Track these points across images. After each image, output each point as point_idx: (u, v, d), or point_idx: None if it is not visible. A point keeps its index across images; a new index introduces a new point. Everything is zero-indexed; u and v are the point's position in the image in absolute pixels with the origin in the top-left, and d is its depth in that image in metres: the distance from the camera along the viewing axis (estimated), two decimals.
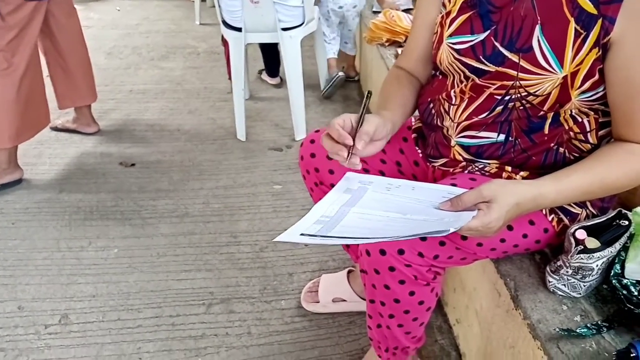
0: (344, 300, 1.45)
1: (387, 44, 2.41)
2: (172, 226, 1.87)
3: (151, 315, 1.50)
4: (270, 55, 2.95)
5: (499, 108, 0.95)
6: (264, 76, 3.12)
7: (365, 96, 0.91)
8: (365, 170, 1.17)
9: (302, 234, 0.76)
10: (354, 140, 0.85)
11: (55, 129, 2.56)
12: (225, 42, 2.59)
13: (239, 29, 2.29)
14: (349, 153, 0.85)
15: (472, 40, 0.95)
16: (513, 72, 0.91)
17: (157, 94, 3.04)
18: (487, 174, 1.01)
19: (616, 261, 0.92)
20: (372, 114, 0.93)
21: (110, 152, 2.39)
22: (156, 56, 3.67)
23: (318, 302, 1.47)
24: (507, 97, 0.93)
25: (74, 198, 2.05)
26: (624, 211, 0.97)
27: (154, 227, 1.87)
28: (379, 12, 2.64)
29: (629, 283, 0.89)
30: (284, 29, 2.28)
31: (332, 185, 1.10)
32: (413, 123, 1.21)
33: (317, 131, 1.23)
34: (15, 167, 2.12)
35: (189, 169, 2.24)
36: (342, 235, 0.75)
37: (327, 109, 2.80)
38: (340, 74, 2.82)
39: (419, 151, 1.15)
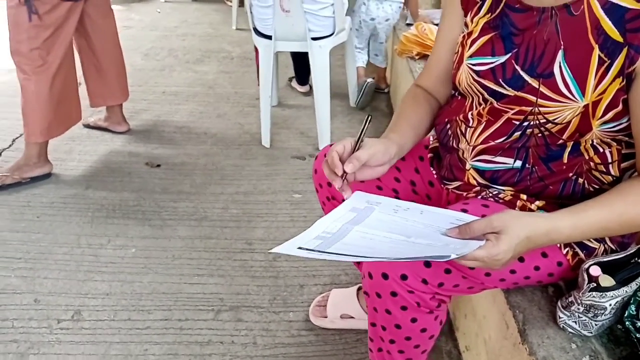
0: (352, 317, 1.43)
1: (417, 57, 2.38)
2: (190, 229, 1.88)
3: (161, 318, 1.51)
4: (301, 63, 2.96)
5: (517, 134, 0.92)
6: (294, 84, 3.13)
7: (365, 120, 0.89)
8: (379, 188, 1.15)
9: (300, 247, 0.75)
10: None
11: (88, 126, 2.62)
12: (256, 49, 2.61)
13: (269, 37, 2.30)
14: (342, 180, 0.85)
15: (492, 63, 0.92)
16: (532, 98, 0.87)
17: (189, 96, 3.09)
18: (500, 201, 0.97)
19: (631, 302, 0.87)
20: (376, 139, 0.91)
21: (138, 151, 2.43)
22: (191, 59, 3.73)
23: (326, 317, 1.45)
24: (525, 123, 0.90)
25: (98, 195, 2.09)
26: None
27: (173, 229, 1.89)
28: (412, 24, 2.62)
29: None
30: (314, 39, 2.28)
31: (344, 201, 1.09)
32: (431, 142, 1.18)
33: (332, 145, 1.22)
34: (45, 161, 2.18)
35: (211, 172, 2.26)
36: (341, 252, 0.74)
37: (354, 120, 2.78)
38: (369, 80, 2.81)
39: (434, 172, 1.12)
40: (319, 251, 0.74)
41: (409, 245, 0.78)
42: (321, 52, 2.31)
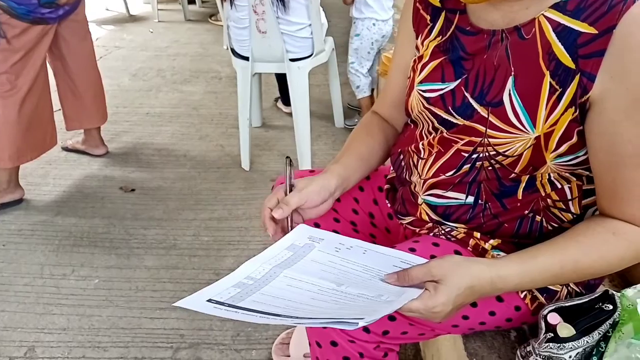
0: None
1: None
2: (157, 258, 1.81)
3: (116, 356, 1.43)
4: (285, 84, 2.89)
5: (466, 167, 0.84)
6: (279, 104, 3.08)
7: (286, 164, 0.84)
8: (336, 220, 1.08)
9: (209, 300, 0.67)
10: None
11: (66, 149, 2.57)
12: None
13: (247, 58, 2.25)
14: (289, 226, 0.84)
15: (442, 89, 0.86)
16: (482, 128, 0.80)
17: (172, 117, 3.04)
18: (453, 239, 0.89)
19: (594, 353, 0.79)
20: (311, 178, 0.87)
21: (114, 175, 2.38)
22: (179, 79, 3.69)
23: (289, 356, 1.37)
24: (474, 155, 0.83)
25: (67, 222, 2.03)
26: (611, 292, 0.84)
27: (139, 258, 1.82)
28: None
29: None
30: (292, 60, 2.23)
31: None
32: (390, 171, 1.11)
33: (278, 184, 1.15)
34: (16, 186, 2.13)
35: (186, 197, 2.20)
36: (252, 307, 0.66)
37: (338, 141, 2.71)
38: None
39: (389, 205, 1.05)
40: (229, 305, 0.66)
41: (335, 296, 0.71)
42: (300, 74, 2.26)
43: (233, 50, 2.31)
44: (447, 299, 0.69)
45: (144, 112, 3.10)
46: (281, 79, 2.91)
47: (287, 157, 0.87)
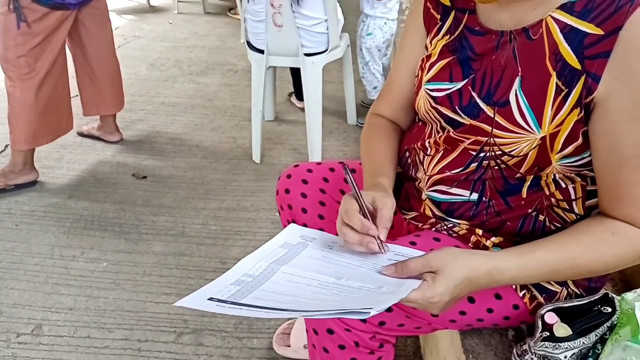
0: None
1: None
2: (165, 245, 1.84)
3: (120, 337, 1.46)
4: (299, 78, 2.90)
5: (473, 165, 0.85)
6: (293, 99, 3.09)
7: (346, 171, 0.80)
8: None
9: (210, 298, 0.68)
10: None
11: (81, 134, 2.61)
12: None
13: (262, 51, 2.27)
14: (378, 244, 0.77)
15: (449, 89, 0.86)
16: (488, 128, 0.81)
17: (187, 108, 3.06)
18: (454, 235, 0.90)
19: (590, 354, 0.79)
20: (380, 193, 0.83)
21: (127, 162, 2.41)
22: (195, 71, 3.72)
23: (289, 346, 1.38)
24: (481, 154, 0.83)
25: (79, 205, 2.06)
26: (611, 295, 0.84)
27: (148, 243, 1.84)
28: None
29: None
30: (307, 55, 2.24)
31: (305, 225, 1.03)
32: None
33: (295, 166, 1.16)
34: (31, 168, 2.17)
35: (196, 186, 2.22)
36: (255, 304, 0.67)
37: (349, 137, 2.72)
38: None
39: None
40: (232, 303, 0.67)
41: (336, 289, 0.72)
42: (314, 69, 2.27)
43: (249, 43, 2.33)
44: (444, 289, 0.69)
45: (159, 102, 3.14)
46: (296, 73, 2.92)
47: (342, 162, 0.84)
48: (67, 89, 2.21)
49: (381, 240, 0.77)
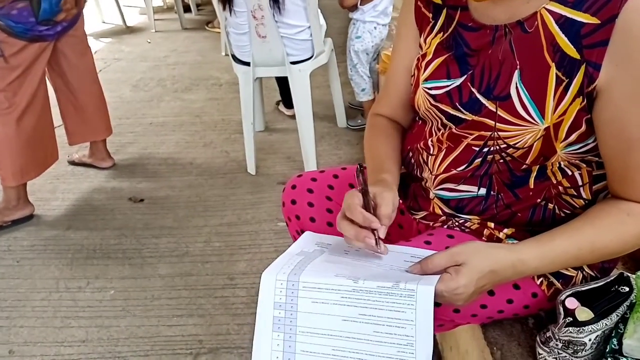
0: None
1: None
2: (170, 266, 1.83)
3: None
4: (286, 86, 2.90)
5: (478, 160, 0.86)
6: (281, 107, 3.10)
7: (359, 171, 0.81)
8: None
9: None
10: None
11: (72, 163, 2.59)
12: None
13: (247, 64, 2.27)
14: (376, 240, 0.76)
15: (448, 86, 0.87)
16: (491, 122, 0.82)
17: (176, 126, 3.06)
18: (467, 230, 0.91)
19: (613, 335, 0.81)
20: (381, 188, 0.84)
21: (122, 187, 2.40)
22: (180, 88, 3.71)
23: None
24: (485, 149, 0.84)
25: (79, 235, 2.05)
26: (626, 274, 0.86)
27: (153, 267, 1.84)
28: None
29: None
30: (293, 63, 2.25)
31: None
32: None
33: (299, 176, 1.17)
34: (25, 203, 2.14)
35: (195, 204, 2.21)
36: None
37: (341, 141, 2.73)
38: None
39: (400, 201, 1.06)
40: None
41: (357, 300, 0.73)
42: (301, 76, 2.27)
43: (234, 56, 2.33)
44: (468, 280, 0.70)
45: (147, 123, 3.12)
46: (282, 82, 2.93)
47: (360, 164, 0.85)
48: (50, 119, 2.17)
49: (379, 237, 0.77)
